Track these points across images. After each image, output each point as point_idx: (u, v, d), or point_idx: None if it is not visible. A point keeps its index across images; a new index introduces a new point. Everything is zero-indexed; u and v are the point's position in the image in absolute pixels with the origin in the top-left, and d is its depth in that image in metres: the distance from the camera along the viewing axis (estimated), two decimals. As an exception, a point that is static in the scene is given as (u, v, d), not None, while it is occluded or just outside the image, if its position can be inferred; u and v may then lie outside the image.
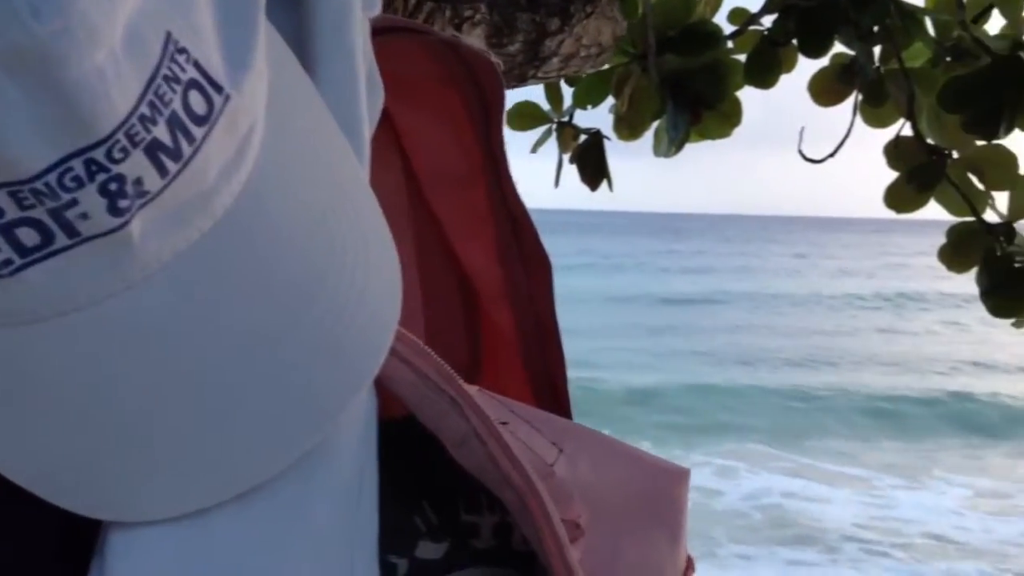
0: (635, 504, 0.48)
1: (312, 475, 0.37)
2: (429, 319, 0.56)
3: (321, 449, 0.38)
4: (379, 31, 0.46)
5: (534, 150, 1.49)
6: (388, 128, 0.54)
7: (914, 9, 1.43)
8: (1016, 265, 1.39)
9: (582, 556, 0.44)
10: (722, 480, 9.20)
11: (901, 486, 9.50)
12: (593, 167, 1.46)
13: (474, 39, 0.91)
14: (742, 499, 8.92)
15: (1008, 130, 1.36)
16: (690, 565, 0.51)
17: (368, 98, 0.43)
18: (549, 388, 0.55)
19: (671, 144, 1.54)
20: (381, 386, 0.41)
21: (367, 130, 0.42)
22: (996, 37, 1.39)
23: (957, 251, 1.42)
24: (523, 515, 0.42)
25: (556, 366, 0.55)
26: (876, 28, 1.42)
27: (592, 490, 0.46)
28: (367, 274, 0.38)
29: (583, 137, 1.48)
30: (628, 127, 1.46)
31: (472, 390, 0.44)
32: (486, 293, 0.55)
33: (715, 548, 7.60)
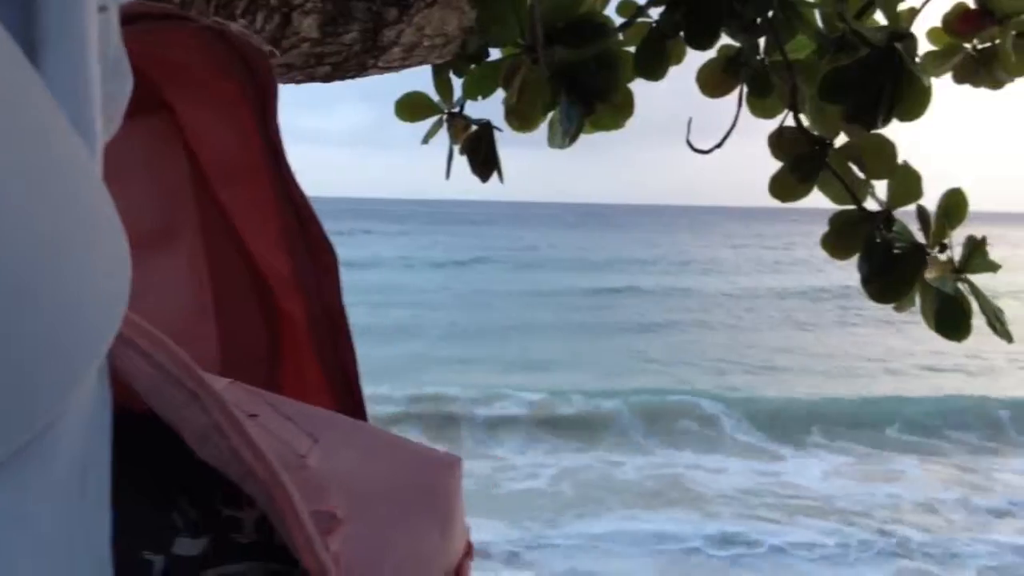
0: (402, 494, 0.48)
1: (24, 475, 0.37)
2: (223, 313, 0.55)
3: (36, 447, 0.37)
4: (134, 18, 0.45)
5: (425, 141, 1.49)
6: (171, 122, 0.54)
7: (796, 1, 1.45)
8: (896, 251, 1.43)
9: (341, 547, 0.44)
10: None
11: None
12: (483, 158, 1.46)
13: (307, 28, 0.91)
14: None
15: (886, 120, 1.39)
16: (469, 550, 0.51)
17: (110, 86, 0.42)
18: (342, 377, 0.55)
19: (564, 135, 1.55)
20: (119, 380, 0.40)
21: (99, 121, 0.42)
22: (875, 29, 1.42)
23: (839, 238, 1.44)
24: (271, 508, 0.42)
25: (347, 355, 0.55)
26: (759, 20, 1.45)
27: (355, 481, 0.46)
28: (82, 264, 0.38)
29: (474, 128, 1.48)
30: (519, 118, 1.46)
31: (221, 382, 0.43)
32: (278, 285, 0.55)
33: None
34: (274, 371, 0.59)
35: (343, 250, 0.54)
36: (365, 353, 0.55)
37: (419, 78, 1.61)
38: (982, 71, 1.69)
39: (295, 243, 0.54)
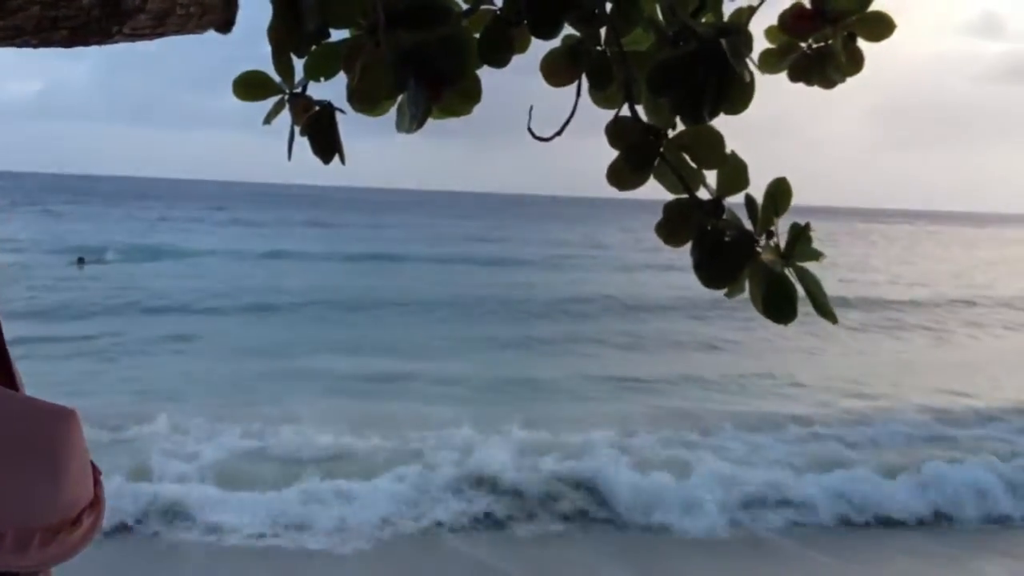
0: (5, 445, 0.49)
1: None
2: None
3: None
4: None
5: (267, 121, 1.47)
6: None
7: (634, -6, 1.49)
8: (726, 239, 1.48)
9: None
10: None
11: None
12: (324, 140, 1.45)
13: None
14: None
15: (712, 113, 1.44)
16: (96, 502, 0.52)
17: None
18: None
19: (412, 120, 1.55)
20: None
21: None
22: (705, 24, 1.47)
23: (672, 226, 1.49)
24: None
25: None
26: (598, 11, 1.48)
27: None
28: None
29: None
30: (361, 100, 1.46)
31: None
32: None
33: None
34: None
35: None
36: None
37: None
38: (816, 70, 1.76)
39: None
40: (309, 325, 21.61)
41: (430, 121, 1.58)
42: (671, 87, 1.43)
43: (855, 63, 1.75)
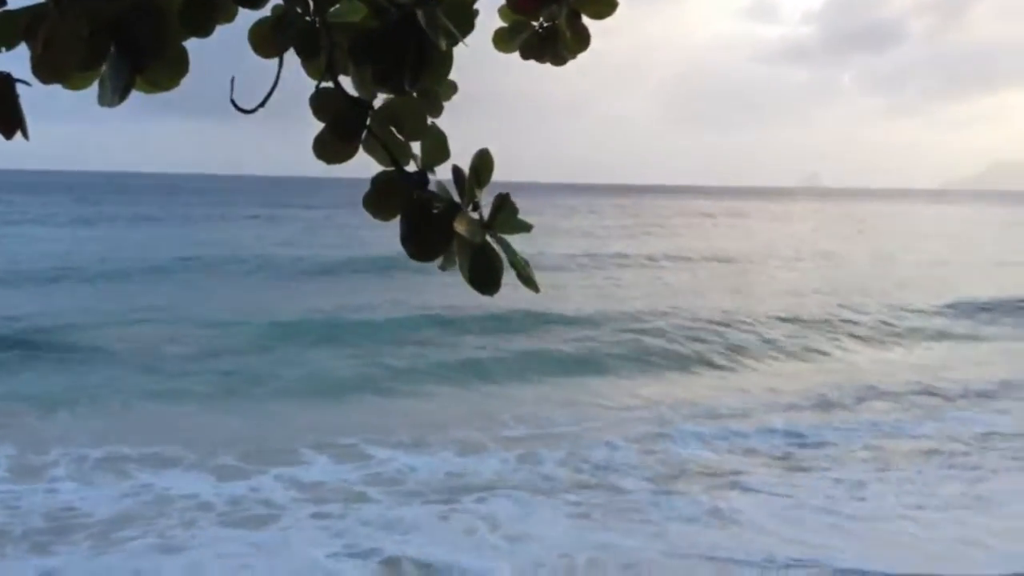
0: None
1: None
2: None
3: None
4: None
5: (-58, 94, 1.38)
6: None
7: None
8: (434, 211, 1.48)
9: None
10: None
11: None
12: (4, 113, 1.38)
13: None
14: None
15: (413, 83, 1.43)
16: None
17: None
18: None
19: (114, 93, 1.49)
20: None
21: None
22: (407, -5, 1.46)
23: (380, 199, 1.48)
24: None
25: None
26: (298, -19, 1.46)
27: None
28: None
29: None
30: (48, 72, 1.40)
31: None
32: None
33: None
34: None
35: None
36: None
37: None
38: (546, 48, 1.79)
39: None
40: None
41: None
42: (373, 57, 1.42)
43: (581, 41, 1.79)
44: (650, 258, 40.05)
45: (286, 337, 18.88)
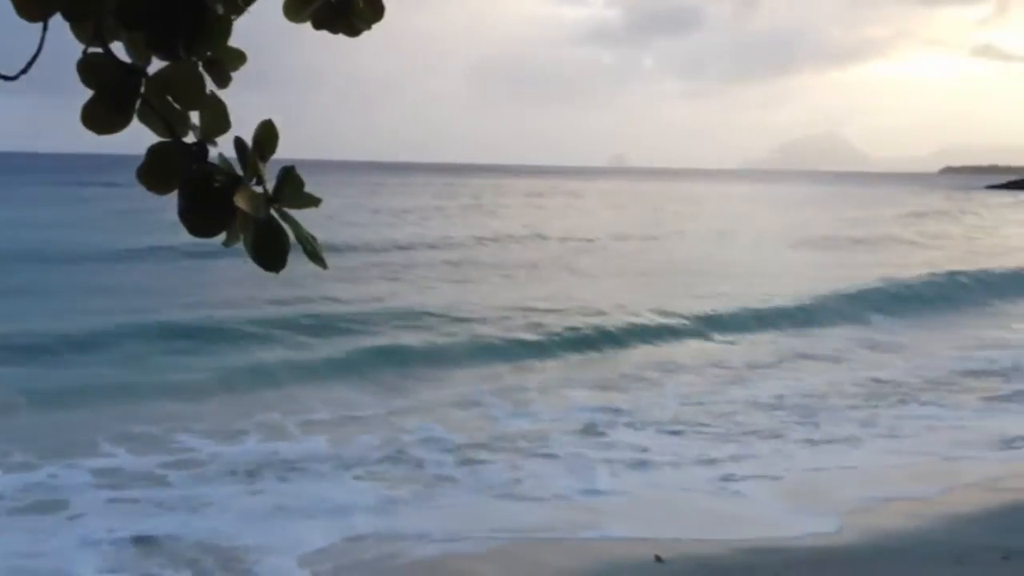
0: None
1: None
2: None
3: None
4: None
5: None
6: None
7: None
8: (216, 185, 1.42)
9: None
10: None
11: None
12: None
13: None
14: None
15: (188, 49, 1.37)
16: None
17: None
18: None
19: None
20: None
21: None
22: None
23: (155, 171, 1.42)
24: None
25: None
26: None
27: None
28: None
29: None
30: None
31: None
32: None
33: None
34: None
35: None
36: None
37: None
38: (339, 18, 1.75)
39: None
40: None
41: None
42: (143, 21, 1.35)
43: (374, 11, 1.76)
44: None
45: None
